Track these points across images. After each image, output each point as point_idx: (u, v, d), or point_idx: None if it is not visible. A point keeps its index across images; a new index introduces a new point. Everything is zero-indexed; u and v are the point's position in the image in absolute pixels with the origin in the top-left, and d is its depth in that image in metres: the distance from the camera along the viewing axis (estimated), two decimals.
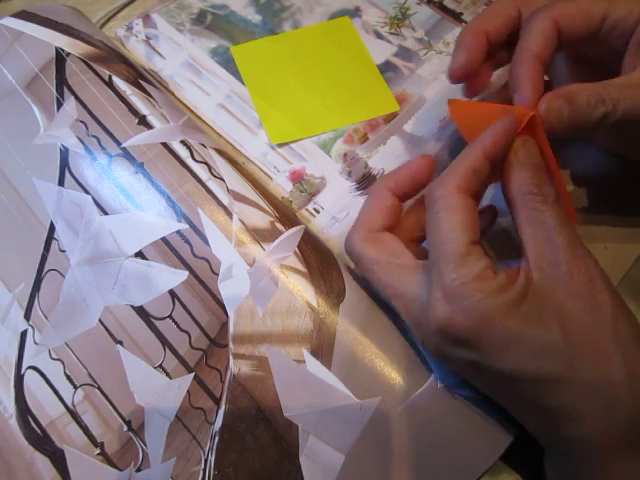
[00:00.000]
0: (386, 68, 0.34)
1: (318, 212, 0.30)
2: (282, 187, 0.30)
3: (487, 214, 0.25)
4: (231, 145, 0.32)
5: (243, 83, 0.34)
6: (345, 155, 0.31)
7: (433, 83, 0.34)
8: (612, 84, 0.22)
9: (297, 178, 0.31)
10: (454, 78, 0.26)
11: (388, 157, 0.31)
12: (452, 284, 0.19)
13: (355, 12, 0.37)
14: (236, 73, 0.34)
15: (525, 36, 0.23)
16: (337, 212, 0.30)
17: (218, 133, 0.32)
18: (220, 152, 0.29)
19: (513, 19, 0.25)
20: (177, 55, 0.35)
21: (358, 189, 0.30)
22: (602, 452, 0.18)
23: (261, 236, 0.26)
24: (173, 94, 0.33)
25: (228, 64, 0.34)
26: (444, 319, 0.19)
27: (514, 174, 0.21)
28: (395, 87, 0.34)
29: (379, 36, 0.36)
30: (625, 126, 0.22)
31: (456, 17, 0.36)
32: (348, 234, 0.24)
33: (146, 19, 0.36)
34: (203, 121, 0.33)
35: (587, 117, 0.21)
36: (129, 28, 0.36)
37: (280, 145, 0.32)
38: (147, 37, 0.35)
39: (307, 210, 0.30)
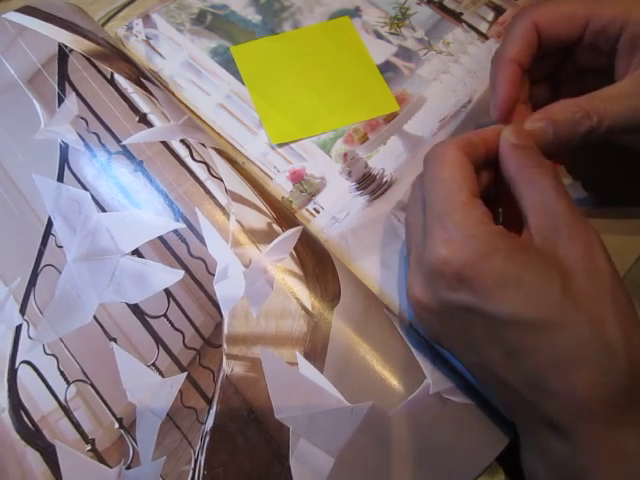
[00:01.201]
0: (386, 68, 0.34)
1: (318, 212, 0.30)
2: (282, 187, 0.30)
3: None
4: (231, 145, 0.32)
5: (243, 83, 0.33)
6: (345, 155, 0.31)
7: (433, 83, 0.34)
8: (597, 97, 0.22)
9: (297, 178, 0.31)
10: (499, 120, 0.24)
11: (388, 157, 0.31)
12: (452, 223, 0.19)
13: (355, 12, 0.36)
14: (236, 73, 0.34)
15: (504, 40, 0.24)
16: (337, 212, 0.29)
17: (218, 133, 0.32)
18: (219, 152, 0.29)
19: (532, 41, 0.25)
20: (177, 55, 0.35)
21: (358, 189, 0.30)
22: (592, 421, 0.17)
23: (258, 237, 0.26)
24: (173, 94, 0.33)
25: (228, 64, 0.34)
26: (442, 255, 0.19)
27: (509, 154, 0.21)
28: (395, 87, 0.33)
29: (379, 36, 0.36)
30: (614, 135, 0.22)
31: (456, 17, 0.36)
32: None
33: (146, 19, 0.36)
34: (203, 121, 0.33)
35: (572, 134, 0.22)
36: (129, 28, 0.36)
37: (280, 145, 0.32)
38: (147, 37, 0.35)
39: (307, 210, 0.30)
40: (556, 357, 0.18)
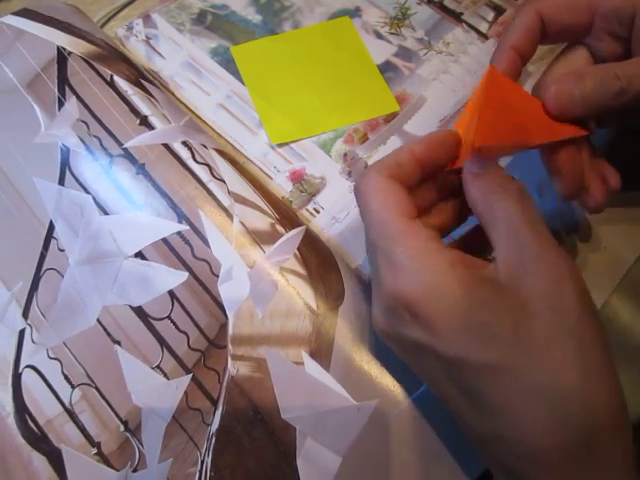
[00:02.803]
0: (386, 68, 0.34)
1: (318, 212, 0.30)
2: (282, 187, 0.30)
3: None
4: (231, 145, 0.32)
5: (243, 83, 0.33)
6: (345, 155, 0.31)
7: (433, 83, 0.34)
8: (626, 62, 0.21)
9: (297, 178, 0.31)
10: None
11: None
12: (394, 255, 0.18)
13: (355, 12, 0.37)
14: (236, 73, 0.34)
15: (507, 28, 0.24)
16: (337, 212, 0.30)
17: (218, 133, 0.32)
18: (221, 153, 0.29)
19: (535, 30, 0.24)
20: (177, 55, 0.35)
21: None
22: (547, 471, 0.16)
23: (261, 238, 0.26)
24: (173, 94, 0.33)
25: (228, 64, 0.34)
26: (392, 289, 0.18)
27: (471, 184, 0.20)
28: (395, 87, 0.33)
29: (379, 36, 0.36)
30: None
31: (456, 17, 0.36)
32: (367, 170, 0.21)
33: (146, 19, 0.36)
34: (203, 121, 0.33)
35: (601, 96, 0.21)
36: (129, 28, 0.35)
37: (280, 145, 0.32)
38: (147, 37, 0.35)
39: (307, 210, 0.30)
40: (505, 402, 0.17)
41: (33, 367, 0.24)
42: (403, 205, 0.19)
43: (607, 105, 0.21)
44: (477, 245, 0.22)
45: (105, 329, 0.25)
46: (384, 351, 0.23)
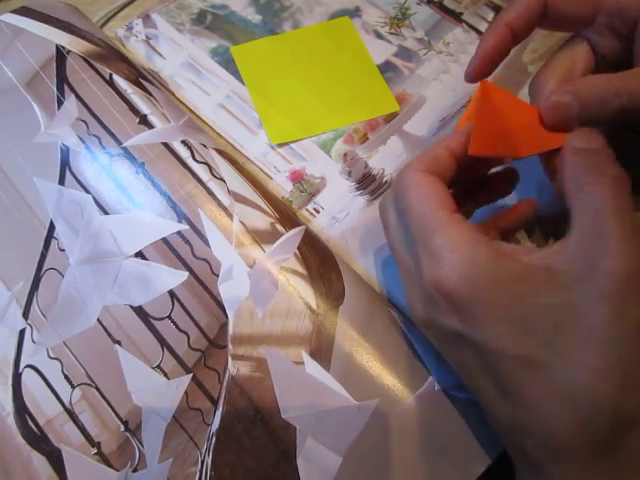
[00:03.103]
0: (386, 68, 0.34)
1: (318, 212, 0.30)
2: (282, 187, 0.30)
3: (524, 206, 0.24)
4: (231, 145, 0.32)
5: (243, 83, 0.33)
6: (345, 155, 0.31)
7: (433, 83, 0.34)
8: (629, 74, 0.21)
9: (297, 178, 0.31)
10: (471, 76, 0.23)
11: (388, 157, 0.31)
12: (435, 245, 0.18)
13: (355, 12, 0.37)
14: (236, 73, 0.34)
15: (508, 6, 0.23)
16: (337, 212, 0.30)
17: (218, 133, 0.32)
18: (221, 152, 0.29)
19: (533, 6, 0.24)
20: (177, 55, 0.35)
21: (358, 189, 0.30)
22: (563, 462, 0.17)
23: (261, 237, 0.26)
24: (173, 94, 0.33)
25: (228, 64, 0.34)
26: (432, 278, 0.18)
27: (568, 160, 0.19)
28: (395, 87, 0.33)
29: (379, 36, 0.36)
30: None
31: (456, 17, 0.36)
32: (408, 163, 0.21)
33: (146, 19, 0.36)
34: (203, 121, 0.33)
35: (600, 112, 0.20)
36: (129, 28, 0.35)
37: (280, 145, 0.32)
38: (147, 37, 0.35)
39: (307, 210, 0.30)
40: (536, 397, 0.17)
41: (33, 367, 0.24)
42: (443, 198, 0.19)
43: (606, 120, 0.21)
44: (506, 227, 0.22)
45: (105, 329, 0.25)
46: (384, 351, 0.23)
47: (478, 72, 0.23)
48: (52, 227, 0.27)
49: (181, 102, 0.33)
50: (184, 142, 0.29)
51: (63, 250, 0.26)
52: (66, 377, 0.24)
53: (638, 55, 0.22)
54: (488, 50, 0.23)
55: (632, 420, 0.16)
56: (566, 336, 0.17)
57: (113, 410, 0.23)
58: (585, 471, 0.17)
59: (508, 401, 0.18)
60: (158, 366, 0.24)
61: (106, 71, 0.31)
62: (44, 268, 0.26)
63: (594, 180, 0.18)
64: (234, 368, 0.23)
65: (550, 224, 0.27)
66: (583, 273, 0.17)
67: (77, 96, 0.30)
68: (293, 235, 0.26)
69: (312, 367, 0.23)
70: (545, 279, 0.17)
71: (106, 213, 0.27)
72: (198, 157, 0.28)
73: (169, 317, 0.25)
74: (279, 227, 0.26)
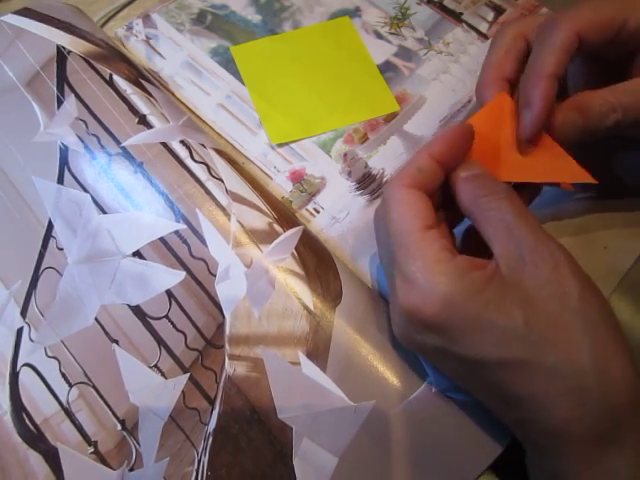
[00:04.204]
0: (386, 68, 0.34)
1: (318, 212, 0.30)
2: (282, 187, 0.30)
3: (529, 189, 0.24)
4: (231, 145, 0.32)
5: (243, 83, 0.33)
6: (345, 155, 0.31)
7: (433, 83, 0.34)
8: (623, 90, 0.21)
9: (297, 178, 0.31)
10: (533, 135, 0.22)
11: (388, 157, 0.31)
12: (408, 271, 0.19)
13: (355, 12, 0.37)
14: (236, 73, 0.34)
15: (544, 49, 0.21)
16: (337, 212, 0.29)
17: (218, 133, 0.32)
18: (219, 152, 0.29)
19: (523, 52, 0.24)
20: (177, 55, 0.35)
21: (358, 189, 0.30)
22: (574, 443, 0.18)
23: (259, 237, 0.26)
24: (173, 94, 0.33)
25: (228, 64, 0.34)
26: (406, 305, 0.19)
27: (461, 188, 0.21)
28: (395, 87, 0.33)
29: (379, 36, 0.36)
30: (635, 129, 0.22)
31: (456, 17, 0.36)
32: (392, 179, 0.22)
33: (146, 19, 0.36)
34: (203, 121, 0.33)
35: (599, 126, 0.21)
36: (129, 28, 0.36)
37: (280, 145, 0.32)
38: (147, 37, 0.35)
39: (307, 210, 0.30)
40: (526, 391, 0.18)
41: (31, 366, 0.24)
42: (421, 215, 0.20)
43: (603, 134, 0.22)
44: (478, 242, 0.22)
45: (103, 328, 0.25)
46: (381, 352, 0.23)
47: (536, 134, 0.22)
48: (50, 226, 0.27)
49: (181, 102, 0.33)
50: (183, 142, 0.29)
51: (61, 249, 0.26)
52: (63, 376, 0.24)
53: (636, 66, 0.22)
54: (545, 112, 0.21)
55: (619, 388, 0.17)
56: (535, 328, 0.18)
57: (110, 409, 0.23)
58: (593, 446, 0.17)
59: (501, 400, 0.19)
60: (155, 365, 0.24)
61: (106, 71, 0.31)
62: (42, 267, 0.26)
63: (492, 198, 0.20)
64: (231, 368, 0.23)
65: None
66: (520, 272, 0.19)
67: (77, 96, 0.30)
68: (291, 235, 0.26)
69: (308, 368, 0.23)
70: (501, 285, 0.19)
71: (104, 212, 0.27)
72: (196, 157, 0.28)
73: (166, 317, 0.25)
74: (277, 227, 0.26)
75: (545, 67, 0.21)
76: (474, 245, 0.21)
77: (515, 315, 0.18)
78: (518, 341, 0.18)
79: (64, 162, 0.28)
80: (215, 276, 0.25)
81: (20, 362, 0.24)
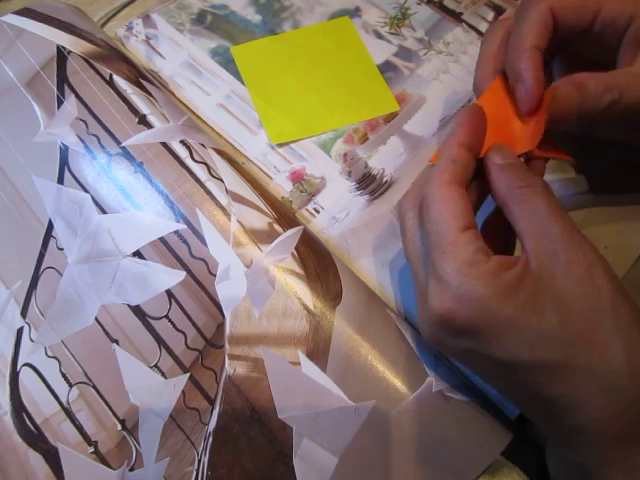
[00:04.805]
0: (386, 68, 0.34)
1: (318, 212, 0.30)
2: (282, 187, 0.30)
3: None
4: (231, 145, 0.32)
5: (243, 83, 0.33)
6: (345, 155, 0.31)
7: (433, 83, 0.34)
8: (619, 73, 0.22)
9: (297, 178, 0.31)
10: (533, 108, 0.22)
11: (388, 157, 0.31)
12: (443, 273, 0.19)
13: (355, 12, 0.37)
14: (236, 73, 0.34)
15: (521, 26, 0.22)
16: (337, 212, 0.29)
17: (218, 133, 0.32)
18: (220, 152, 0.29)
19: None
20: (177, 55, 0.35)
21: (358, 189, 0.30)
22: (605, 441, 0.18)
23: (259, 237, 0.26)
24: (173, 94, 0.33)
25: (228, 64, 0.34)
26: (439, 308, 0.19)
27: (497, 176, 0.21)
28: (395, 87, 0.33)
29: (379, 36, 0.36)
30: (629, 114, 0.22)
31: (456, 17, 0.36)
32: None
33: (146, 19, 0.36)
34: (203, 121, 0.33)
35: (595, 105, 0.21)
36: (129, 28, 0.36)
37: (280, 145, 0.32)
38: (147, 37, 0.35)
39: (307, 210, 0.30)
40: (559, 391, 0.18)
41: (31, 365, 0.24)
42: (459, 215, 0.20)
43: (599, 115, 0.21)
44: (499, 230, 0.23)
45: (103, 328, 0.25)
46: (382, 351, 0.23)
47: (536, 106, 0.22)
48: (51, 226, 0.27)
49: (181, 102, 0.33)
50: (183, 142, 0.29)
51: (62, 249, 0.26)
52: (64, 376, 0.24)
53: (622, 59, 0.23)
54: (539, 82, 0.22)
55: None
56: (570, 328, 0.18)
57: (110, 409, 0.23)
58: (623, 443, 0.18)
59: (532, 400, 0.19)
60: (155, 365, 0.24)
61: (106, 71, 0.31)
62: (42, 267, 0.26)
63: (528, 191, 0.20)
64: (231, 368, 0.23)
65: None
66: (552, 269, 0.18)
67: (77, 96, 0.30)
68: (291, 235, 0.26)
69: (308, 368, 0.23)
70: (531, 282, 0.18)
71: (104, 212, 0.27)
72: (196, 157, 0.28)
73: (166, 316, 0.25)
74: (277, 227, 0.26)
75: (525, 39, 0.22)
76: (494, 234, 0.22)
77: (549, 316, 0.18)
78: (553, 342, 0.18)
79: (64, 162, 0.28)
80: (215, 276, 0.25)
81: (20, 362, 0.24)
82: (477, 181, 0.22)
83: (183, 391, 0.23)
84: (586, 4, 0.23)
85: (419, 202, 0.21)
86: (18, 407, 0.24)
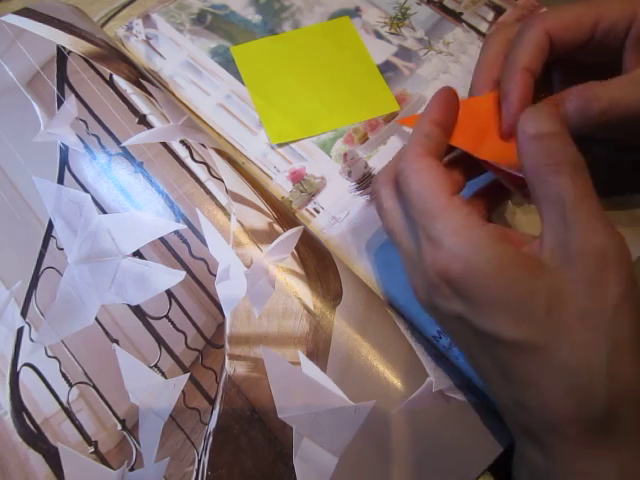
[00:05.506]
0: (386, 68, 0.34)
1: (318, 212, 0.30)
2: (282, 187, 0.30)
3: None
4: (231, 145, 0.32)
5: (243, 83, 0.34)
6: (345, 155, 0.31)
7: (433, 83, 0.34)
8: (609, 83, 0.22)
9: (297, 178, 0.31)
10: (512, 127, 0.22)
11: (388, 157, 0.31)
12: (437, 233, 0.19)
13: (355, 12, 0.37)
14: (236, 73, 0.34)
15: (517, 48, 0.23)
16: (337, 212, 0.29)
17: (218, 133, 0.32)
18: (220, 152, 0.29)
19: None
20: (177, 55, 0.35)
21: (358, 189, 0.30)
22: (562, 439, 0.17)
23: (259, 237, 0.26)
24: (173, 94, 0.33)
25: (228, 64, 0.34)
26: (433, 263, 0.19)
27: (525, 148, 0.19)
28: (395, 87, 0.33)
29: (379, 36, 0.36)
30: (624, 123, 0.22)
31: (456, 17, 0.36)
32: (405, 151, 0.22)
33: (146, 19, 0.36)
34: (203, 121, 0.33)
35: (582, 119, 0.21)
36: (129, 28, 0.36)
37: (280, 145, 0.32)
38: (147, 37, 0.35)
39: (307, 210, 0.30)
40: (532, 377, 0.18)
41: (31, 365, 0.24)
42: (442, 182, 0.20)
43: (591, 124, 0.21)
44: (493, 199, 0.23)
45: (103, 328, 0.25)
46: (382, 351, 0.23)
47: (515, 125, 0.22)
48: (51, 226, 0.27)
49: (181, 102, 0.33)
50: (183, 142, 0.29)
51: (62, 249, 0.26)
52: (64, 376, 0.24)
53: (628, 64, 0.23)
54: (522, 103, 0.22)
55: (627, 392, 0.17)
56: (558, 318, 0.18)
57: (110, 409, 0.23)
58: (583, 446, 0.17)
59: (505, 380, 0.19)
60: (155, 365, 0.24)
61: (106, 71, 0.31)
62: (43, 267, 0.26)
63: (553, 170, 0.18)
64: (231, 368, 0.23)
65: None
66: (561, 261, 0.18)
67: (77, 96, 0.30)
68: (291, 235, 0.26)
69: (308, 367, 0.23)
70: (535, 266, 0.18)
71: (104, 212, 0.27)
72: (197, 157, 0.28)
73: (166, 316, 0.25)
74: (277, 227, 0.26)
75: (518, 62, 0.22)
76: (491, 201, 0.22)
77: (540, 301, 0.17)
78: (536, 327, 0.17)
79: (64, 162, 0.28)
80: (215, 276, 0.25)
81: (20, 362, 0.24)
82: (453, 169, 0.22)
83: (183, 391, 0.23)
84: (583, 20, 0.23)
85: (393, 177, 0.22)
86: (18, 407, 0.24)
